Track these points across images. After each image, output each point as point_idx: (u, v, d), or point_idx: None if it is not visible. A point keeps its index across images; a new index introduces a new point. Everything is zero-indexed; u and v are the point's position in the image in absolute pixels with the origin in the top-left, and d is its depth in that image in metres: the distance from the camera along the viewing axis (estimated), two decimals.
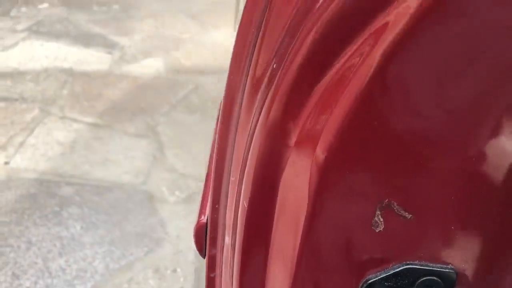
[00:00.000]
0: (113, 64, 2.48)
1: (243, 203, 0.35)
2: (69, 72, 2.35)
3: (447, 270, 0.33)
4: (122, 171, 1.76)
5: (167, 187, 1.71)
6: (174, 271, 1.40)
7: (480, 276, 0.34)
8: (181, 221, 1.57)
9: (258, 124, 0.34)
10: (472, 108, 0.29)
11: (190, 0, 3.19)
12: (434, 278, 0.33)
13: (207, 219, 0.40)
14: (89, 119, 2.03)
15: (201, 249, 0.42)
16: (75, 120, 2.01)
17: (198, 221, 0.42)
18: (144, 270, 1.39)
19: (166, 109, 2.18)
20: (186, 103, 2.26)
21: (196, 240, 0.42)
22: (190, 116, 2.18)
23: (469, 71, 0.28)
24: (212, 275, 0.40)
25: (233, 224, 0.37)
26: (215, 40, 2.88)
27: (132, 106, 2.16)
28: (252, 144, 0.34)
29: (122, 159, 1.82)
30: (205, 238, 0.41)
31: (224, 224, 0.38)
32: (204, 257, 0.42)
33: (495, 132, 0.30)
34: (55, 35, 2.67)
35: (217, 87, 2.44)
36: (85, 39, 2.68)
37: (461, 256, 0.33)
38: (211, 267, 0.40)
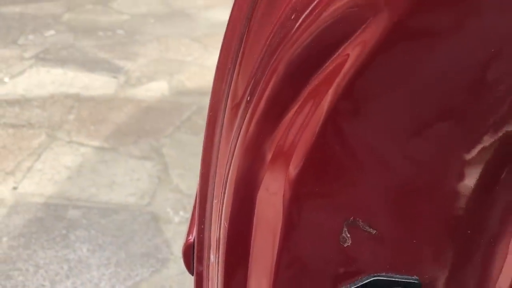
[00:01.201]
0: (118, 88, 2.54)
1: (224, 223, 0.37)
2: (75, 97, 2.41)
3: (412, 281, 0.35)
4: (127, 193, 1.79)
5: (172, 207, 1.74)
6: None
7: (443, 287, 0.36)
8: None
9: (237, 145, 0.37)
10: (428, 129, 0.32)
11: (193, 24, 3.26)
12: None
13: (194, 239, 0.43)
14: (95, 143, 2.07)
15: (189, 267, 0.45)
16: (81, 144, 2.05)
17: (187, 241, 0.45)
18: None
19: (170, 130, 2.22)
20: (190, 124, 2.31)
21: (184, 258, 0.45)
22: (194, 136, 2.22)
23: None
24: None
25: (217, 243, 0.40)
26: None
27: (137, 129, 2.21)
28: (232, 164, 0.37)
29: (128, 181, 1.86)
30: (193, 256, 0.43)
31: (210, 243, 0.41)
32: (192, 275, 0.45)
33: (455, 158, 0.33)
34: (61, 61, 2.74)
35: None
36: (91, 65, 2.75)
37: (424, 268, 0.35)
38: (199, 284, 0.43)
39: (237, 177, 0.36)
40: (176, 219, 1.69)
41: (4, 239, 1.53)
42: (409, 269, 0.35)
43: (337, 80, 0.30)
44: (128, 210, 1.70)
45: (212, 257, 0.40)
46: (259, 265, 0.38)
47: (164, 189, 1.84)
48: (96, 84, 2.56)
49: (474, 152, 0.32)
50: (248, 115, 0.35)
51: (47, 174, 1.86)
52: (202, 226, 0.41)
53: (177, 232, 1.63)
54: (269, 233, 0.37)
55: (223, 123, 0.39)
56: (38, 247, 1.52)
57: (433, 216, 0.34)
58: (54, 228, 1.60)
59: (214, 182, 0.40)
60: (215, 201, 0.40)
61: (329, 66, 0.33)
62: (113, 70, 2.72)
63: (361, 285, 0.36)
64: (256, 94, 0.34)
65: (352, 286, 0.36)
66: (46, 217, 1.64)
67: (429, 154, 0.31)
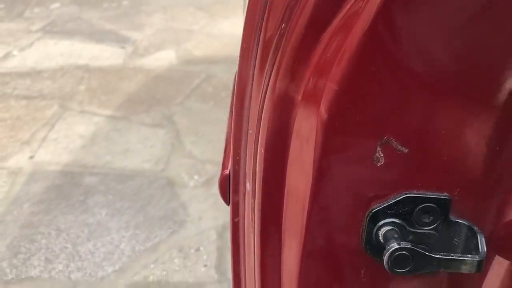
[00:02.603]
0: (127, 58, 2.55)
1: (260, 150, 0.39)
2: (85, 68, 2.42)
3: (442, 197, 0.37)
4: (142, 159, 1.82)
5: (186, 172, 1.77)
6: (198, 250, 1.46)
7: (473, 203, 0.38)
8: (201, 204, 1.63)
9: (273, 73, 0.38)
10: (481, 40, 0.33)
11: None
12: (431, 204, 0.37)
13: (229, 171, 0.45)
14: (107, 112, 2.09)
15: (225, 198, 0.47)
16: (94, 114, 2.07)
17: (222, 174, 0.47)
18: (169, 251, 1.46)
19: (180, 99, 2.24)
20: (200, 92, 2.32)
21: (220, 190, 0.47)
22: (204, 104, 2.23)
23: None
24: (236, 220, 0.45)
25: (252, 171, 0.42)
26: (224, 30, 2.93)
27: (148, 98, 2.22)
28: (267, 92, 0.39)
29: (142, 149, 1.88)
30: (229, 187, 0.45)
31: (245, 173, 0.43)
32: (228, 205, 0.47)
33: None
34: (69, 34, 2.74)
35: (228, 75, 2.49)
36: (98, 36, 2.75)
37: (454, 185, 0.37)
38: (235, 212, 0.45)
39: (274, 102, 0.38)
40: (191, 183, 1.72)
41: (25, 205, 1.57)
42: (440, 186, 0.37)
43: None
44: (143, 176, 1.73)
45: (248, 185, 0.42)
46: (295, 190, 0.40)
47: (177, 155, 1.87)
48: (105, 55, 2.57)
49: None
50: (284, 42, 0.36)
51: (61, 143, 1.89)
52: (238, 158, 0.43)
53: (192, 195, 1.67)
54: (304, 161, 0.38)
55: (256, 57, 0.41)
56: (58, 212, 1.56)
57: (466, 131, 0.35)
58: (72, 195, 1.63)
59: (249, 114, 0.42)
60: (250, 131, 0.41)
61: None
62: (121, 40, 2.72)
63: (393, 202, 0.38)
64: (292, 19, 0.35)
65: (385, 204, 0.38)
66: (64, 184, 1.68)
67: (472, 57, 0.32)
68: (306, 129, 0.37)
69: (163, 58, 2.58)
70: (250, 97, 0.42)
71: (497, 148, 0.36)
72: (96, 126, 2.00)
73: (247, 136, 0.42)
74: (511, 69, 0.33)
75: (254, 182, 0.41)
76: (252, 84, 0.40)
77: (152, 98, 2.23)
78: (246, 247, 0.45)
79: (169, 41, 2.75)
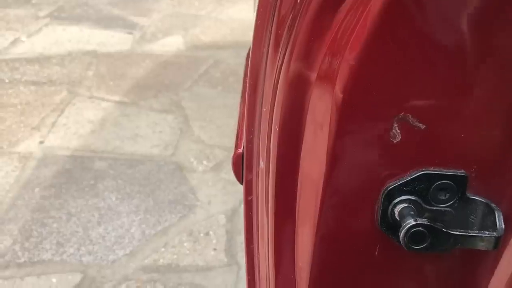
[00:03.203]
0: (135, 44, 2.54)
1: (275, 127, 0.39)
2: (93, 54, 2.42)
3: (459, 174, 0.37)
4: (151, 144, 1.83)
5: (195, 157, 1.77)
6: (207, 234, 1.47)
7: (490, 180, 0.38)
8: (210, 188, 1.63)
9: (285, 60, 0.38)
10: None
11: None
12: (448, 181, 0.37)
13: (243, 149, 0.45)
14: (116, 98, 2.09)
15: (239, 176, 0.47)
16: (102, 99, 2.08)
17: (235, 152, 0.47)
18: (179, 235, 1.47)
19: (188, 84, 2.23)
20: (208, 78, 2.31)
21: (234, 168, 0.47)
22: (212, 89, 2.23)
23: None
24: (249, 198, 0.45)
25: (266, 149, 0.41)
26: (231, 16, 2.91)
27: (156, 83, 2.22)
28: (281, 76, 0.38)
29: (151, 134, 1.89)
30: (242, 166, 0.45)
31: (259, 151, 0.43)
32: (241, 183, 0.47)
33: None
34: (76, 19, 2.74)
35: (236, 61, 2.48)
36: (106, 22, 2.74)
37: (471, 162, 0.37)
38: (248, 190, 0.45)
39: (288, 82, 0.37)
40: (200, 168, 1.73)
41: (36, 189, 1.59)
42: (457, 163, 0.37)
43: None
44: (153, 161, 1.74)
45: (261, 163, 0.42)
46: (309, 169, 0.40)
47: (186, 140, 1.87)
48: (112, 40, 2.56)
49: None
50: (298, 19, 0.36)
51: (71, 128, 1.90)
52: (251, 136, 0.43)
53: (201, 180, 1.67)
54: (319, 136, 0.38)
55: (270, 34, 0.40)
56: (68, 196, 1.57)
57: (483, 107, 0.35)
58: (83, 179, 1.64)
59: (263, 92, 0.41)
60: (264, 109, 0.41)
61: None
62: (128, 26, 2.71)
63: (410, 179, 0.37)
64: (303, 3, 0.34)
65: (401, 181, 0.38)
66: (74, 169, 1.69)
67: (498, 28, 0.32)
68: (321, 109, 0.37)
69: (171, 44, 2.58)
70: (264, 75, 0.42)
71: None
72: (105, 111, 2.01)
73: (261, 113, 0.42)
74: None
75: (268, 160, 0.41)
76: (266, 61, 0.40)
77: (160, 83, 2.23)
78: (259, 226, 0.45)
79: (177, 27, 2.74)
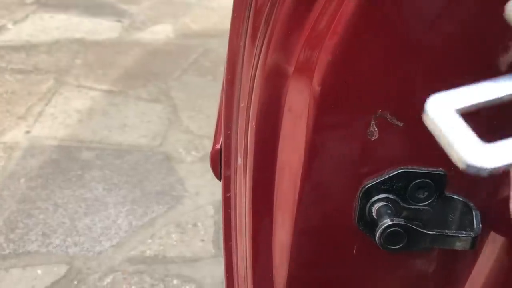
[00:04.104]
0: (123, 32, 2.51)
1: (252, 124, 0.38)
2: (81, 42, 2.38)
3: (437, 172, 0.36)
4: (139, 134, 1.81)
5: (184, 147, 1.76)
6: (195, 225, 1.47)
7: (469, 179, 0.37)
8: (199, 179, 1.62)
9: (262, 53, 0.37)
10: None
11: None
12: (426, 180, 0.36)
13: (221, 145, 0.44)
14: (104, 87, 2.07)
15: (216, 173, 0.46)
16: (90, 88, 2.05)
17: (213, 148, 0.46)
18: (166, 226, 1.46)
19: (178, 73, 2.21)
20: (197, 67, 2.29)
21: (212, 165, 0.46)
22: (201, 78, 2.21)
23: None
24: (227, 195, 0.44)
25: (244, 146, 0.41)
26: (222, 3, 2.88)
27: (145, 72, 2.20)
28: (258, 70, 0.37)
29: (139, 123, 1.87)
30: (220, 162, 0.44)
31: (236, 148, 0.42)
32: (220, 180, 0.46)
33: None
34: (64, 7, 2.70)
35: (226, 50, 2.46)
36: (94, 9, 2.70)
37: (450, 160, 0.36)
38: (227, 187, 0.44)
39: (265, 75, 0.36)
40: (189, 158, 1.71)
41: (22, 180, 1.57)
42: (435, 161, 0.36)
43: None
44: (141, 151, 1.73)
45: (239, 159, 0.41)
46: (287, 166, 0.39)
47: (175, 130, 1.86)
48: (101, 28, 2.53)
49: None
50: (276, 10, 0.35)
51: (58, 118, 1.87)
52: (229, 132, 0.42)
53: (190, 171, 1.66)
54: (296, 133, 0.37)
55: (247, 26, 0.39)
56: (55, 187, 1.55)
57: None
58: (70, 169, 1.63)
59: (240, 87, 0.40)
60: (241, 104, 0.40)
61: None
62: (117, 14, 2.67)
63: (387, 177, 0.37)
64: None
65: (379, 179, 0.37)
66: (61, 159, 1.67)
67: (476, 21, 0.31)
68: (298, 103, 0.36)
69: (160, 32, 2.55)
70: (242, 69, 0.40)
71: (495, 122, 0.35)
72: (93, 100, 1.99)
73: (239, 109, 0.41)
74: None
75: (245, 157, 0.40)
76: (243, 55, 0.39)
77: (149, 72, 2.20)
78: (237, 223, 0.44)
79: (167, 15, 2.71)
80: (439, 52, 0.33)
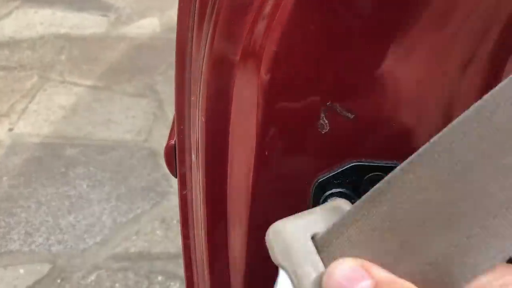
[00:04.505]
0: (109, 27, 2.48)
1: (201, 118, 0.37)
2: (66, 37, 2.36)
3: (390, 165, 0.35)
4: (124, 130, 1.79)
5: None
6: None
7: None
8: None
9: (207, 43, 0.35)
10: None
11: None
12: (380, 173, 0.35)
13: (175, 141, 0.42)
14: (89, 82, 2.05)
15: (172, 169, 0.45)
16: (75, 84, 2.03)
17: (168, 144, 0.44)
18: (151, 222, 1.44)
19: (163, 68, 2.19)
20: None
21: (166, 161, 0.45)
22: None
23: None
24: (184, 192, 0.43)
25: (196, 141, 0.39)
26: None
27: (130, 67, 2.18)
28: (204, 60, 0.36)
29: (124, 119, 1.85)
30: (175, 158, 0.43)
31: (190, 144, 0.40)
32: (176, 177, 0.44)
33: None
34: (49, 2, 2.66)
35: None
36: (79, 4, 2.67)
37: (403, 153, 0.35)
38: (183, 184, 0.43)
39: (212, 66, 0.35)
40: None
41: (4, 178, 1.55)
42: (388, 154, 0.35)
43: None
44: (125, 147, 1.71)
45: (193, 156, 0.40)
46: (238, 161, 0.38)
47: (160, 125, 1.84)
48: (86, 23, 2.50)
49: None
50: (216, 7, 0.33)
51: (42, 114, 1.85)
52: (182, 127, 0.41)
53: None
54: (246, 127, 0.36)
55: (194, 15, 0.38)
56: (38, 185, 1.54)
57: (414, 95, 0.33)
58: (53, 167, 1.61)
59: (190, 79, 0.39)
60: (192, 98, 0.39)
61: None
62: (103, 8, 2.64)
63: (340, 171, 0.35)
64: None
65: (331, 173, 0.35)
66: (44, 156, 1.65)
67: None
68: (246, 94, 0.35)
69: (147, 26, 2.52)
70: (191, 61, 0.39)
71: (449, 114, 0.34)
72: (77, 96, 1.96)
73: (190, 103, 0.40)
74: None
75: (197, 153, 0.39)
76: (191, 47, 0.37)
77: (135, 67, 2.18)
78: (194, 221, 0.43)
79: (153, 8, 2.68)
80: (388, 41, 0.32)
